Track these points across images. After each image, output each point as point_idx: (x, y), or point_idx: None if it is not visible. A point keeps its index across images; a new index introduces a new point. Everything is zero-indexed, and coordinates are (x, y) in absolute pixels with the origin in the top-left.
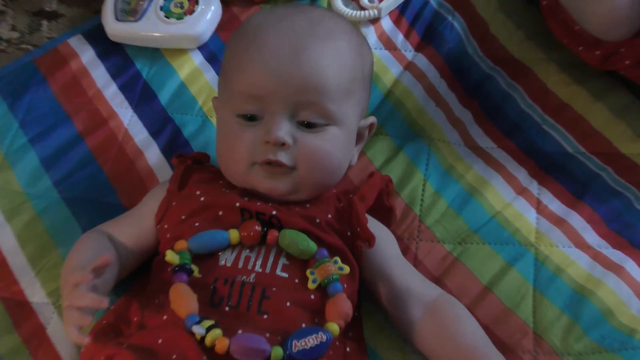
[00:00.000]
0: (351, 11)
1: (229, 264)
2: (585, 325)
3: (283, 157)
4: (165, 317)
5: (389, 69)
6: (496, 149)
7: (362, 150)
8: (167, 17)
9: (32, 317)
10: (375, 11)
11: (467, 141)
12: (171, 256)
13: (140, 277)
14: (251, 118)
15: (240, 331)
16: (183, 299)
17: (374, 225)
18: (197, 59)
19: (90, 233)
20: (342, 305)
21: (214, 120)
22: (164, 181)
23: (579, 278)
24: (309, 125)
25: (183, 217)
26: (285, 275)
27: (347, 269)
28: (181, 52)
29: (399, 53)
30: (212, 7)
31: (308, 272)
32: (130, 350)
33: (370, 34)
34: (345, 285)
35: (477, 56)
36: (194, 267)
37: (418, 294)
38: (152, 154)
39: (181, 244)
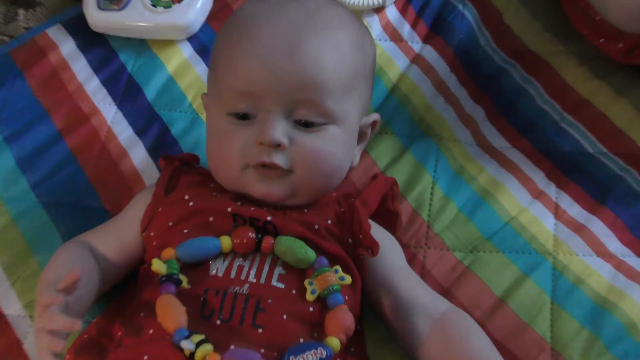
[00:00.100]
0: (354, 0)
1: (220, 274)
2: (608, 340)
3: (278, 159)
4: (151, 331)
5: (395, 62)
6: (510, 149)
7: (365, 150)
8: (153, 5)
9: (7, 331)
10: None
11: (479, 140)
12: (158, 265)
13: (125, 288)
14: (243, 117)
15: (232, 346)
16: (171, 312)
17: (378, 232)
18: (186, 51)
19: (69, 244)
20: (343, 318)
21: (204, 117)
22: (150, 185)
23: (601, 289)
24: (306, 125)
25: (170, 223)
26: (281, 285)
27: (348, 279)
28: (169, 43)
29: (405, 45)
30: None
31: (306, 282)
32: None
33: (374, 24)
34: (346, 297)
35: (490, 48)
36: (183, 277)
37: (424, 306)
38: (138, 154)
39: (168, 253)
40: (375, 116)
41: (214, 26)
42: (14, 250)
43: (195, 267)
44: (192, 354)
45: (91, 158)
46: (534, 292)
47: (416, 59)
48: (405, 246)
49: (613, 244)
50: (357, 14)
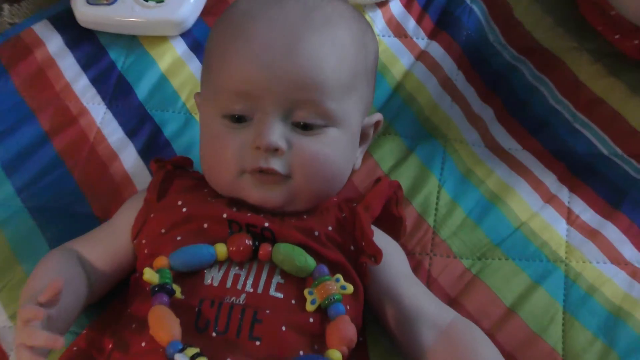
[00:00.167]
0: None
1: (215, 283)
2: (622, 351)
3: (276, 165)
4: (143, 343)
5: (399, 59)
6: (521, 151)
7: (368, 152)
8: None
9: None
10: None
11: (487, 142)
12: (150, 275)
13: (115, 298)
14: (239, 119)
15: None
16: (164, 324)
17: (381, 239)
18: (179, 47)
19: (55, 252)
20: (344, 329)
21: (198, 117)
22: (141, 190)
23: (615, 298)
24: (305, 127)
25: (163, 230)
26: (280, 295)
27: (350, 288)
28: (161, 39)
29: (410, 41)
30: None
31: (306, 291)
32: None
33: (378, 19)
34: (348, 307)
35: (500, 44)
36: (176, 287)
37: (430, 316)
38: (128, 157)
39: (161, 261)
40: (378, 116)
41: (208, 22)
42: None
43: (189, 276)
44: None
45: (79, 161)
46: (545, 301)
47: (421, 56)
48: (410, 253)
49: (628, 250)
50: (359, 8)
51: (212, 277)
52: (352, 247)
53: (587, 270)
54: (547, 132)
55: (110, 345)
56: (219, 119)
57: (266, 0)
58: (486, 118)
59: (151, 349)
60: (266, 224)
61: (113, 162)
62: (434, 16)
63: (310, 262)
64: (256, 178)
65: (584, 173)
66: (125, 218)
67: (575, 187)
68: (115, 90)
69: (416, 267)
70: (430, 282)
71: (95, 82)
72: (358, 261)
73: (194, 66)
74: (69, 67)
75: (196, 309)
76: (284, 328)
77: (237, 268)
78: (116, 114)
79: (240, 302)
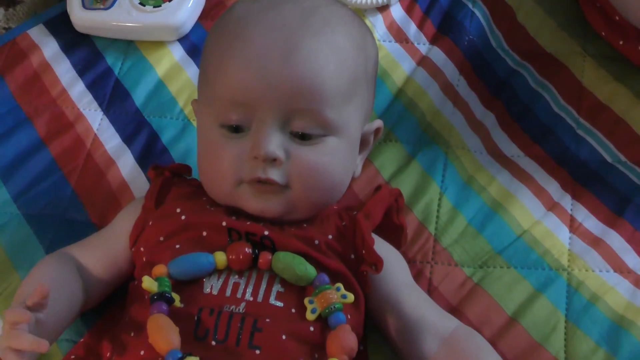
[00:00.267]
0: None
1: (215, 292)
2: None
3: (274, 175)
4: (142, 352)
5: (400, 65)
6: (523, 158)
7: (369, 159)
8: (142, 4)
9: None
10: None
11: (489, 148)
12: (148, 283)
13: (113, 306)
14: (237, 129)
15: None
16: (162, 333)
17: (382, 247)
18: (177, 52)
19: (50, 257)
20: (345, 339)
21: (196, 124)
22: (139, 197)
23: (618, 307)
24: (303, 137)
25: (161, 238)
26: (279, 304)
27: (351, 297)
28: (159, 44)
29: (411, 46)
30: None
31: (306, 300)
32: None
33: (379, 23)
34: (348, 316)
35: (502, 49)
36: (175, 296)
37: (432, 325)
38: (126, 164)
39: (160, 269)
40: (379, 123)
41: (206, 26)
42: None
43: (188, 284)
44: None
45: (76, 168)
46: (547, 309)
47: (423, 61)
48: (411, 261)
49: (631, 258)
50: (360, 12)
51: (212, 286)
52: (352, 256)
53: (590, 279)
54: (550, 139)
55: (108, 354)
56: (216, 128)
57: (263, 5)
58: (488, 124)
59: (150, 357)
60: (266, 233)
61: (110, 168)
62: (435, 21)
63: (311, 270)
64: (254, 188)
65: (587, 180)
66: (123, 225)
67: (578, 195)
68: (112, 96)
69: (417, 276)
70: (431, 291)
71: (92, 87)
72: (359, 270)
73: (192, 71)
74: (65, 72)
75: (195, 318)
76: (284, 337)
77: (236, 276)
78: (113, 120)
79: (240, 310)
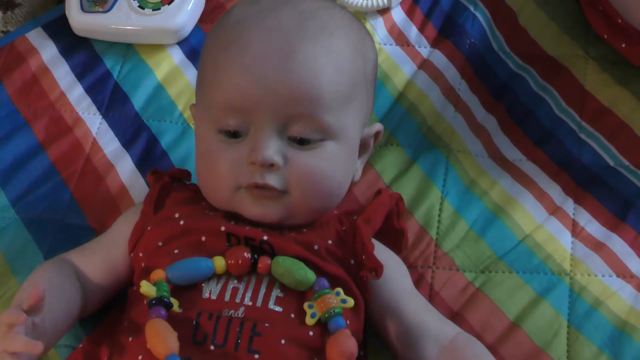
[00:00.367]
0: (357, 0)
1: (214, 297)
2: None
3: (272, 180)
4: (140, 357)
5: (401, 68)
6: (525, 162)
7: (370, 163)
8: (141, 7)
9: None
10: (385, 0)
11: (491, 152)
12: (147, 288)
13: (113, 311)
14: (234, 134)
15: None
16: (161, 337)
17: (382, 252)
18: (176, 56)
19: (49, 262)
20: (345, 344)
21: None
22: (139, 203)
23: (621, 312)
24: (301, 142)
25: (160, 243)
26: (279, 309)
27: (350, 302)
28: (158, 48)
29: (412, 49)
30: None
31: (306, 305)
32: None
33: (379, 26)
34: (348, 321)
35: (504, 53)
36: (174, 301)
37: (432, 332)
38: (125, 168)
39: (158, 274)
40: (378, 126)
41: (206, 29)
42: None
43: (187, 289)
44: None
45: (75, 172)
46: (549, 314)
47: (424, 65)
48: (412, 266)
49: (634, 263)
50: (360, 16)
51: (210, 291)
52: (352, 261)
53: (592, 284)
54: (552, 143)
55: (106, 359)
56: (213, 133)
57: (260, 9)
58: (490, 128)
59: None
60: (265, 237)
61: (109, 173)
62: (437, 24)
63: (310, 275)
64: (252, 194)
65: (590, 184)
66: (122, 230)
67: (580, 199)
68: (111, 100)
69: (418, 281)
70: (432, 296)
71: (91, 91)
72: (358, 275)
73: (192, 75)
74: (63, 76)
75: (194, 322)
76: (283, 341)
77: (235, 281)
78: (112, 124)
79: (239, 315)
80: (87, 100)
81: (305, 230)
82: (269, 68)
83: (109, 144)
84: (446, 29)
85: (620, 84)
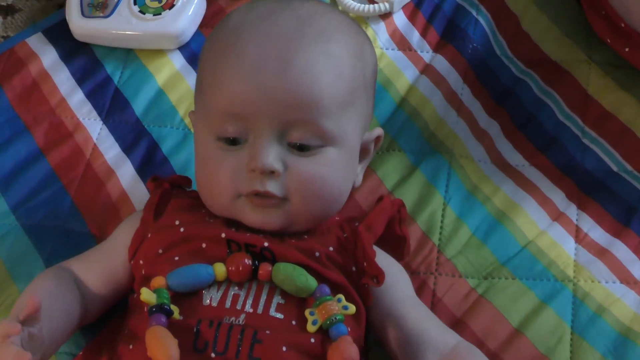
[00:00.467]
0: (358, 5)
1: (214, 304)
2: None
3: (273, 187)
4: None
5: (403, 73)
6: (528, 167)
7: (372, 169)
8: (142, 12)
9: None
10: (387, 5)
11: (494, 157)
12: (147, 295)
13: (113, 319)
14: (233, 141)
15: None
16: (161, 345)
17: (383, 259)
18: (177, 61)
19: (48, 271)
20: (346, 350)
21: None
22: (140, 210)
23: (625, 318)
24: (301, 148)
25: (160, 250)
26: (280, 316)
27: (352, 309)
28: (159, 53)
29: (414, 54)
30: (195, 0)
31: (307, 312)
32: None
33: (381, 31)
34: (349, 328)
35: (506, 57)
36: (174, 308)
37: (433, 340)
38: (125, 174)
39: (159, 281)
40: (379, 131)
41: (207, 34)
42: None
43: (187, 296)
44: None
45: (75, 178)
46: (552, 321)
47: (426, 70)
48: (414, 272)
49: (638, 269)
50: (362, 20)
51: (211, 297)
52: (353, 268)
53: (596, 290)
54: (555, 148)
55: None
56: (212, 140)
57: (258, 14)
58: (492, 133)
59: None
60: (266, 244)
61: (110, 179)
62: (439, 28)
63: (311, 282)
64: (252, 201)
65: (593, 190)
66: (122, 237)
67: (583, 205)
68: (112, 105)
69: (421, 287)
70: (435, 302)
71: (91, 96)
72: (360, 282)
73: (192, 80)
74: (64, 81)
75: (194, 330)
76: (284, 348)
77: (236, 288)
78: (112, 130)
79: (240, 322)
80: (88, 106)
81: (306, 236)
82: (267, 74)
83: (110, 149)
84: (448, 33)
85: (624, 88)
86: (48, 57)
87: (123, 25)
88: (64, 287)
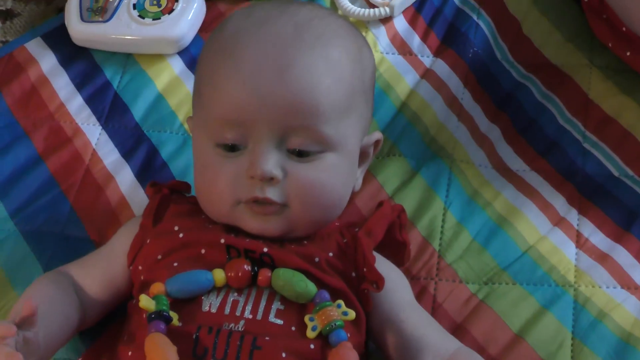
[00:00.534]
0: (358, 9)
1: (213, 310)
2: None
3: (272, 194)
4: None
5: (403, 78)
6: (529, 172)
7: (372, 174)
8: (141, 16)
9: None
10: (387, 9)
11: (494, 162)
12: (146, 301)
13: (112, 325)
14: (232, 148)
15: None
16: (160, 352)
17: (383, 265)
18: (176, 66)
19: (46, 276)
20: (346, 356)
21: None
22: (139, 215)
23: (626, 324)
24: (300, 154)
25: (159, 256)
26: (279, 322)
27: (352, 314)
28: (158, 58)
29: (414, 58)
30: (194, 5)
31: (307, 318)
32: None
33: (382, 36)
34: (349, 334)
35: (507, 62)
36: (173, 314)
37: (432, 346)
38: (125, 179)
39: (158, 287)
40: (378, 135)
41: (206, 39)
42: None
43: (186, 302)
44: None
45: (75, 183)
46: (553, 326)
47: (427, 74)
48: (414, 278)
49: (639, 274)
50: (362, 25)
51: (210, 304)
52: (353, 274)
53: (597, 295)
54: (556, 153)
55: None
56: (211, 147)
57: (256, 20)
58: (493, 138)
59: None
60: (265, 250)
61: (109, 184)
62: (439, 33)
63: (311, 287)
64: (252, 208)
65: (594, 195)
66: (121, 243)
67: (584, 209)
68: (111, 110)
69: (421, 292)
70: (435, 308)
71: (90, 101)
72: (360, 288)
73: (192, 85)
74: (63, 86)
75: (194, 336)
76: (284, 355)
77: (235, 294)
78: (112, 135)
79: (239, 328)
80: (87, 111)
81: (306, 242)
82: (265, 80)
83: (109, 154)
84: (449, 38)
85: (625, 92)
86: (47, 62)
87: (122, 30)
88: (62, 291)
